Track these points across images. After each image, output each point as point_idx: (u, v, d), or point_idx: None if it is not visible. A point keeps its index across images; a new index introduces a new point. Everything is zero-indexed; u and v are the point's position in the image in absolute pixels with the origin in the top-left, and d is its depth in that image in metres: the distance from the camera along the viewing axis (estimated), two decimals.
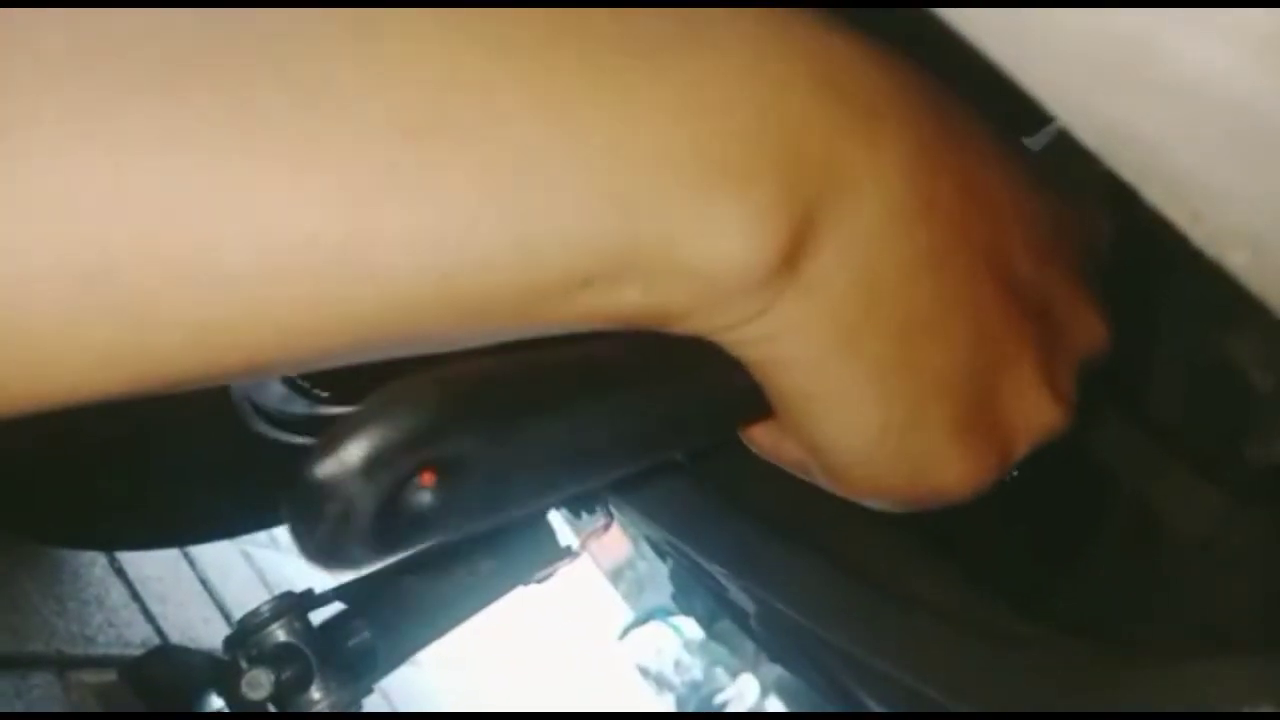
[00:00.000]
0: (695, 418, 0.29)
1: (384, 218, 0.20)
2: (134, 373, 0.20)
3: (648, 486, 0.70)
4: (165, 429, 0.74)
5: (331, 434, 0.21)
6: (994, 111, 0.32)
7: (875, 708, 0.57)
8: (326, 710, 0.84)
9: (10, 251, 0.18)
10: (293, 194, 0.20)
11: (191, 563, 1.45)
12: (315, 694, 0.85)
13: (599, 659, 3.92)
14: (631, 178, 0.22)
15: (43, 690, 1.04)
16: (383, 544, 0.22)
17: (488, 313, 0.23)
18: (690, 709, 4.51)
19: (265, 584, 1.60)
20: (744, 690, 4.54)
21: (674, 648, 4.70)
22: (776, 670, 0.88)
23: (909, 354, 0.27)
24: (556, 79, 0.22)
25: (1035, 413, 0.30)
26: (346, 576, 1.07)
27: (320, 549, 0.21)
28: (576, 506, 1.04)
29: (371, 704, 1.02)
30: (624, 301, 0.24)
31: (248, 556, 1.63)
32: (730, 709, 4.53)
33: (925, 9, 0.19)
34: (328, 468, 0.21)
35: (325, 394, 0.79)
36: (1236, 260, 0.20)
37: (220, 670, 0.90)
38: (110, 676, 1.13)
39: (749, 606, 0.69)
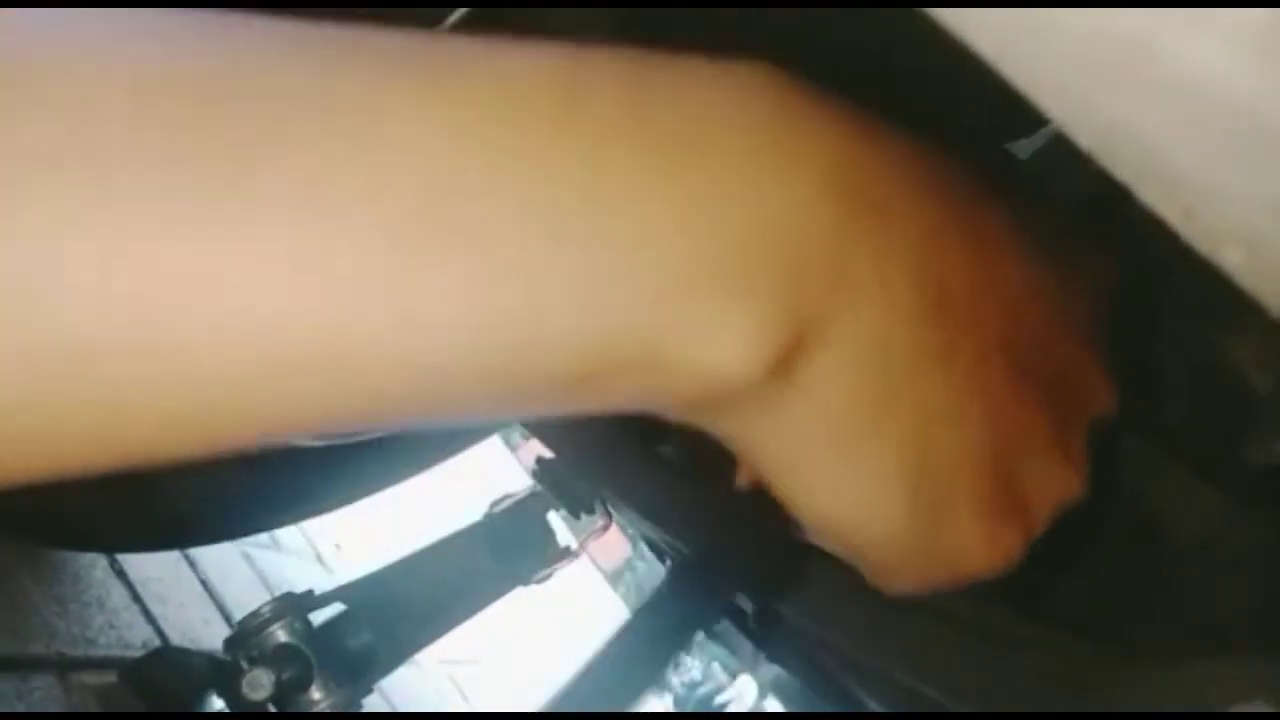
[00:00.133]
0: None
1: (370, 319, 0.20)
2: (111, 455, 0.20)
3: (646, 487, 0.70)
4: None
5: None
6: (988, 114, 0.32)
7: (874, 707, 0.57)
8: (326, 710, 0.84)
9: None
10: (276, 291, 0.19)
11: (192, 564, 1.45)
12: (315, 694, 0.85)
13: None
14: (630, 287, 0.22)
15: (43, 692, 1.04)
16: None
17: (476, 406, 0.23)
18: (689, 709, 4.51)
19: (266, 586, 1.60)
20: (742, 691, 4.54)
21: None
22: (774, 670, 0.88)
23: (924, 448, 0.27)
24: (552, 185, 0.21)
25: (1053, 484, 0.30)
26: (347, 578, 1.08)
27: None
28: (575, 507, 1.04)
29: (371, 704, 1.02)
30: (621, 395, 0.24)
31: (248, 558, 1.63)
32: (729, 709, 4.53)
33: (918, 9, 0.19)
34: None
35: None
36: (1231, 259, 0.20)
37: (221, 671, 0.90)
38: (111, 678, 1.13)
39: (747, 606, 0.69)
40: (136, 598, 1.27)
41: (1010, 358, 0.28)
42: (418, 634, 1.01)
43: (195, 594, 1.41)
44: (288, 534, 1.82)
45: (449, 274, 0.20)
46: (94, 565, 1.24)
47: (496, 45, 0.22)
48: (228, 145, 0.19)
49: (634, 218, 0.22)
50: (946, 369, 0.27)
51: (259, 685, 0.80)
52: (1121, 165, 0.19)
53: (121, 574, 1.28)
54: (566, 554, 1.14)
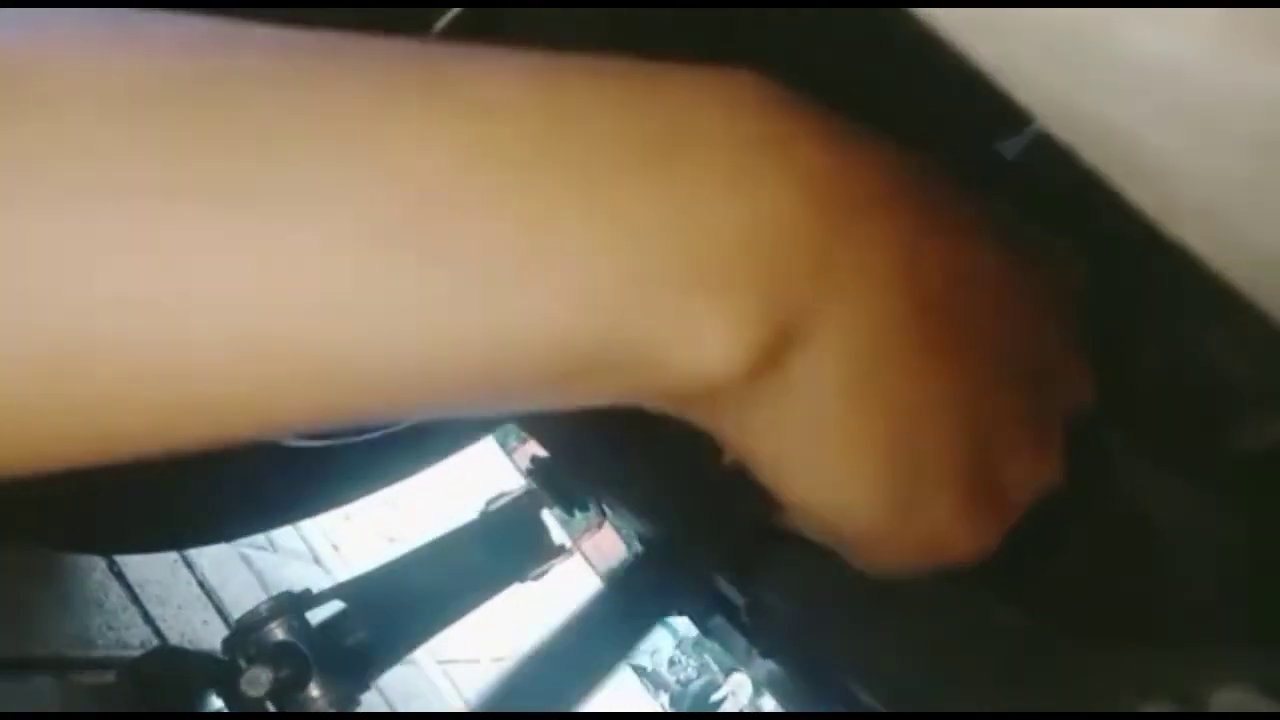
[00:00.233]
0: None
1: (361, 320, 0.20)
2: (100, 452, 0.21)
3: (640, 486, 0.71)
4: None
5: None
6: (974, 112, 0.33)
7: (866, 699, 0.58)
8: (325, 708, 0.84)
9: None
10: (262, 293, 0.20)
11: (190, 565, 1.45)
12: (313, 692, 0.85)
13: None
14: (612, 289, 0.22)
15: (42, 693, 1.05)
16: None
17: (464, 402, 0.23)
18: (684, 708, 4.50)
19: (264, 586, 1.60)
20: (737, 688, 4.54)
21: (668, 647, 4.70)
22: (768, 666, 0.89)
23: (907, 440, 0.27)
24: (538, 191, 0.21)
25: (1032, 471, 0.31)
26: (344, 578, 1.08)
27: None
28: (569, 506, 1.05)
29: (368, 701, 1.03)
30: (606, 391, 0.24)
31: (246, 559, 1.63)
32: (724, 707, 4.53)
33: (901, 9, 0.19)
34: None
35: None
36: (1202, 243, 0.20)
37: (219, 670, 0.90)
38: (109, 678, 1.13)
39: (739, 600, 0.69)
40: (135, 599, 1.28)
41: (990, 349, 0.29)
42: (414, 632, 1.01)
43: (193, 595, 1.41)
44: (285, 535, 1.82)
45: (438, 275, 0.21)
46: (92, 566, 1.24)
47: (485, 53, 0.23)
48: (222, 148, 0.19)
49: (619, 220, 0.22)
50: (928, 362, 0.27)
51: (257, 683, 0.80)
52: (1093, 153, 0.19)
53: (120, 575, 1.28)
54: (561, 552, 1.15)
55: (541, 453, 0.97)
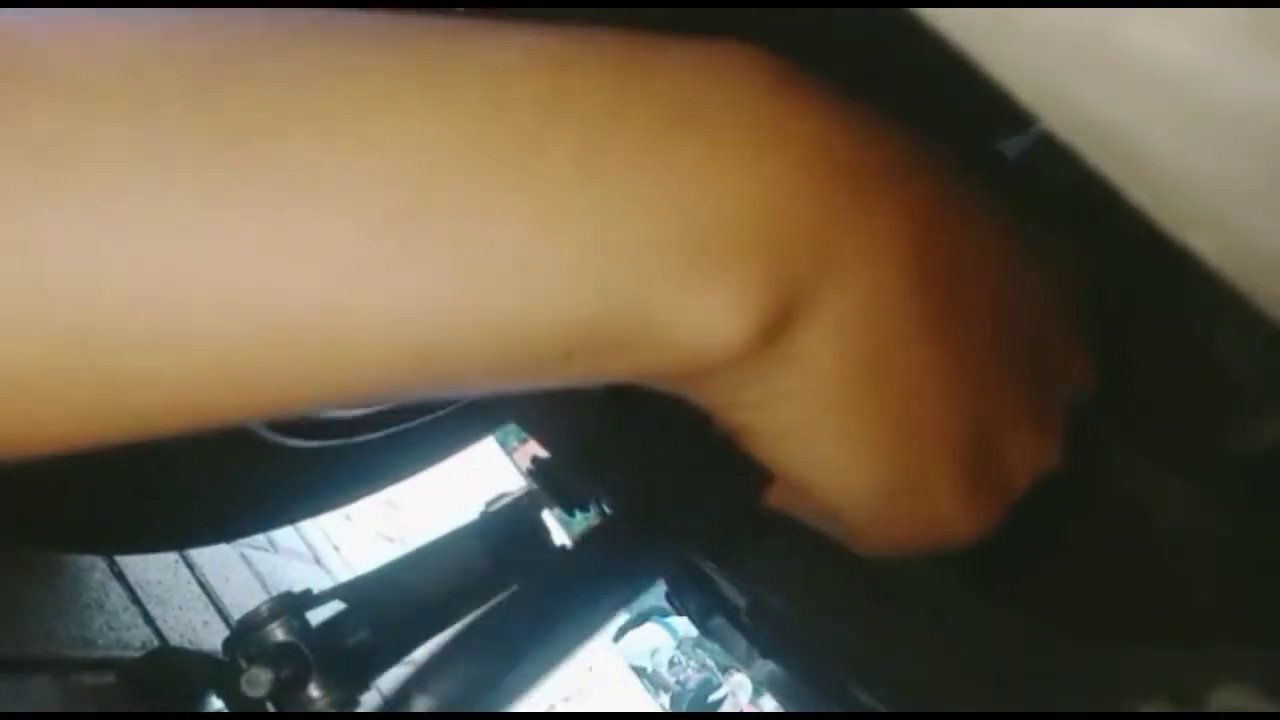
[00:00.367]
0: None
1: (360, 297, 0.20)
2: (111, 427, 0.21)
3: (641, 486, 0.71)
4: None
5: None
6: (977, 112, 0.33)
7: (866, 699, 0.58)
8: (325, 708, 0.84)
9: None
10: (269, 269, 0.20)
11: (191, 566, 1.45)
12: (314, 692, 0.85)
13: (594, 660, 3.91)
14: (615, 266, 0.22)
15: (42, 693, 1.05)
16: None
17: (464, 380, 0.23)
18: (685, 708, 4.50)
19: (264, 587, 1.60)
20: (737, 688, 4.54)
21: (669, 648, 4.70)
22: (769, 666, 0.89)
23: (908, 417, 0.28)
24: (541, 169, 0.22)
25: (1030, 455, 0.31)
26: (344, 576, 1.08)
27: None
28: (570, 506, 1.05)
29: (369, 702, 1.03)
30: (608, 367, 0.24)
31: (247, 560, 1.63)
32: (724, 708, 4.53)
33: (906, 9, 0.19)
34: None
35: None
36: (1202, 243, 0.20)
37: (219, 670, 0.90)
38: (109, 679, 1.13)
39: (740, 601, 0.69)
40: (135, 599, 1.28)
41: (991, 330, 0.29)
42: (415, 632, 1.01)
43: (194, 595, 1.41)
44: (285, 535, 1.82)
45: (439, 258, 0.21)
46: (92, 567, 1.24)
47: (486, 31, 0.23)
48: (225, 133, 0.19)
49: (621, 196, 0.22)
50: (930, 341, 0.27)
51: (257, 683, 0.80)
52: (1096, 154, 0.19)
53: (120, 576, 1.28)
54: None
55: (541, 453, 0.97)
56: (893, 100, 0.30)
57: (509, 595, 0.24)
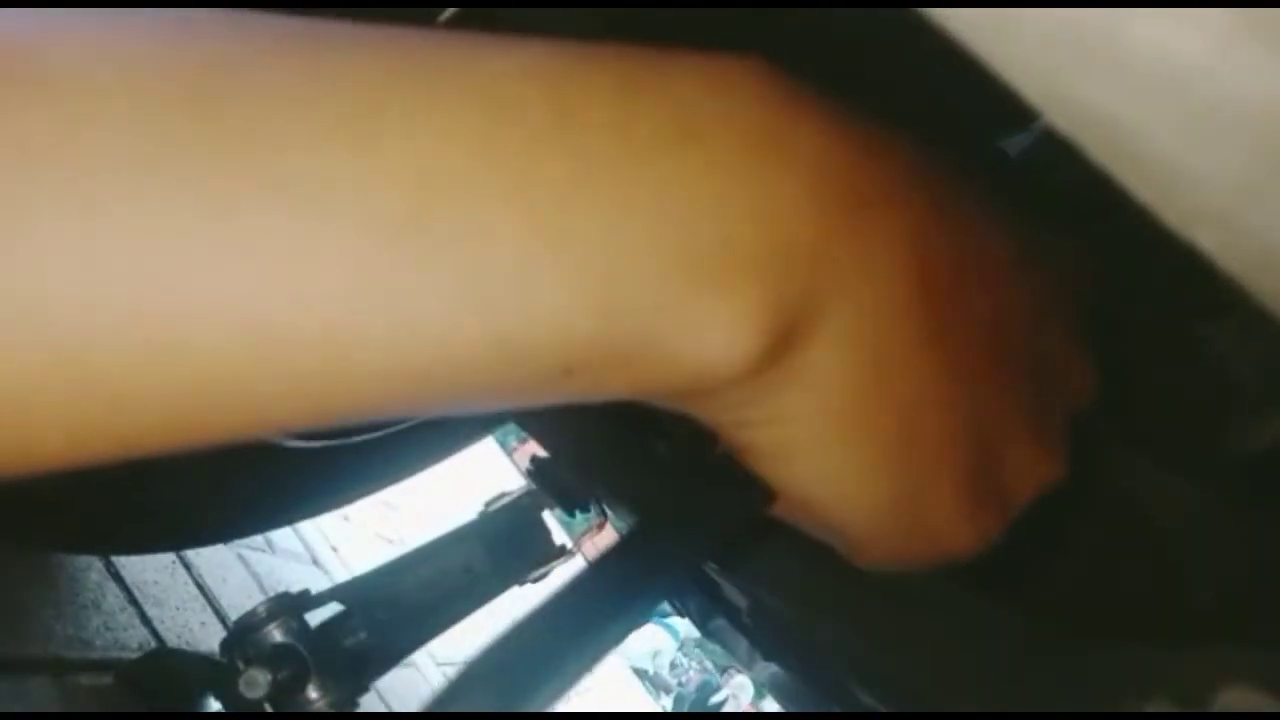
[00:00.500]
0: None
1: (359, 314, 0.20)
2: (108, 447, 0.20)
3: (641, 486, 0.71)
4: None
5: None
6: (980, 109, 0.33)
7: (865, 699, 0.58)
8: (323, 709, 0.84)
9: None
10: (268, 287, 0.19)
11: (188, 567, 1.45)
12: (312, 693, 0.85)
13: None
14: (616, 282, 0.22)
15: (40, 694, 1.05)
16: None
17: (464, 396, 0.23)
18: (686, 709, 4.51)
19: (261, 587, 1.60)
20: (738, 690, 4.54)
21: (670, 649, 4.70)
22: (770, 668, 0.89)
23: (910, 433, 0.27)
24: (542, 185, 0.21)
25: (1033, 469, 0.31)
26: (342, 577, 1.08)
27: None
28: (570, 506, 1.05)
29: (368, 704, 1.03)
30: (609, 385, 0.24)
31: (244, 560, 1.63)
32: (726, 709, 4.54)
33: (912, 8, 0.19)
34: None
35: None
36: (1207, 241, 0.20)
37: (217, 671, 0.90)
38: (107, 679, 1.13)
39: (741, 602, 0.69)
40: (132, 600, 1.28)
41: (993, 346, 0.29)
42: (413, 633, 1.01)
43: (191, 596, 1.41)
44: (283, 536, 1.82)
45: (439, 272, 0.21)
46: (89, 567, 1.24)
47: (486, 43, 0.23)
48: (225, 142, 0.19)
49: (621, 212, 0.22)
50: (932, 357, 0.27)
51: (255, 684, 0.80)
52: (1100, 151, 0.19)
53: (117, 576, 1.28)
54: (562, 553, 1.15)
55: (541, 453, 0.97)
56: (894, 99, 0.30)
57: (528, 621, 0.23)
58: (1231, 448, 0.43)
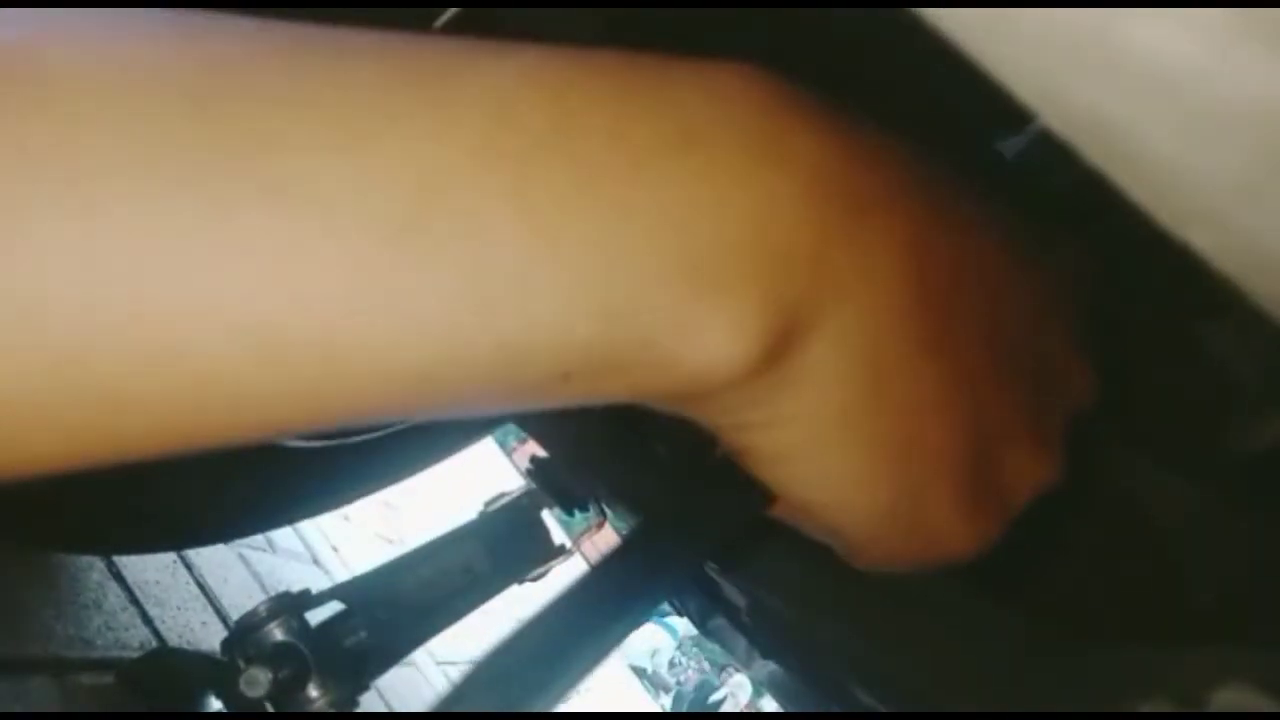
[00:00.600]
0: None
1: (358, 317, 0.20)
2: (107, 449, 0.20)
3: (640, 485, 0.71)
4: None
5: None
6: (975, 111, 0.33)
7: (865, 699, 0.58)
8: (324, 708, 0.84)
9: None
10: (267, 288, 0.19)
11: (189, 566, 1.45)
12: (313, 692, 0.85)
13: None
14: (615, 286, 0.22)
15: (40, 694, 1.05)
16: None
17: (463, 400, 0.23)
18: (685, 708, 4.51)
19: (262, 587, 1.60)
20: (737, 689, 4.54)
21: (668, 648, 4.70)
22: (769, 666, 0.89)
23: (909, 436, 0.27)
24: (542, 188, 0.21)
25: (1031, 471, 0.31)
26: (342, 577, 1.08)
27: None
28: (569, 506, 1.05)
29: (368, 703, 1.03)
30: (607, 389, 0.24)
31: (245, 560, 1.63)
32: (724, 708, 4.54)
33: (905, 9, 0.19)
34: None
35: None
36: (1201, 241, 0.20)
37: (218, 670, 0.90)
38: (108, 679, 1.13)
39: (740, 602, 0.69)
40: (133, 599, 1.28)
41: (992, 348, 0.29)
42: (413, 632, 1.01)
43: (192, 596, 1.42)
44: (284, 536, 1.83)
45: (439, 274, 0.21)
46: (91, 567, 1.24)
47: (487, 48, 0.23)
48: (221, 145, 0.19)
49: (623, 219, 0.22)
50: (931, 360, 0.27)
51: (256, 683, 0.80)
52: (1095, 151, 0.19)
53: (118, 576, 1.28)
54: (561, 552, 1.15)
55: (541, 453, 0.97)
56: (891, 101, 0.30)
57: (531, 625, 0.24)
58: (1231, 448, 0.43)
